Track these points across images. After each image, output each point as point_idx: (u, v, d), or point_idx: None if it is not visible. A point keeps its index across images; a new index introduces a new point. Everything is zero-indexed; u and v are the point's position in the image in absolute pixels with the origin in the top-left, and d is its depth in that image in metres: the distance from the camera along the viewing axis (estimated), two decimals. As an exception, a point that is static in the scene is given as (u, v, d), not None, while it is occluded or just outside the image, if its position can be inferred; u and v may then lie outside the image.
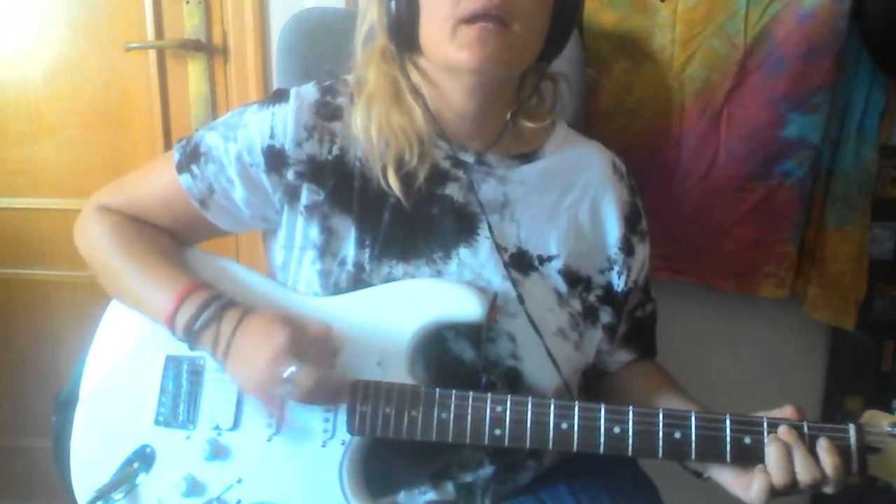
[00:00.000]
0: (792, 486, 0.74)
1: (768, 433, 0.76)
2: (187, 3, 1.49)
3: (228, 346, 0.81)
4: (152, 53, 1.52)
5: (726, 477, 0.80)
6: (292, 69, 1.22)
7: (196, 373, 0.88)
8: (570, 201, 0.93)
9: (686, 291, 1.42)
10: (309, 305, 0.88)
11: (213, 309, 0.82)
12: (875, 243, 1.38)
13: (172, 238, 0.93)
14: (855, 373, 1.47)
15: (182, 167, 0.90)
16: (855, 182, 1.32)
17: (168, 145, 1.55)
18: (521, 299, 0.86)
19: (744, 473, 0.78)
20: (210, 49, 1.51)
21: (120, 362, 0.92)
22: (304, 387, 0.77)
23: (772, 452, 0.75)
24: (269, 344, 0.78)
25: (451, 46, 0.82)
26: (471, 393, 0.80)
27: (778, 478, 0.74)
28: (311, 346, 0.80)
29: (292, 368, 0.77)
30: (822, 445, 0.74)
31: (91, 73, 1.57)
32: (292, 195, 0.89)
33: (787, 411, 0.78)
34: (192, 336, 0.82)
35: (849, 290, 1.35)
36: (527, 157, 0.94)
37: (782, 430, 0.75)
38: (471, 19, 0.79)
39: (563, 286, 0.91)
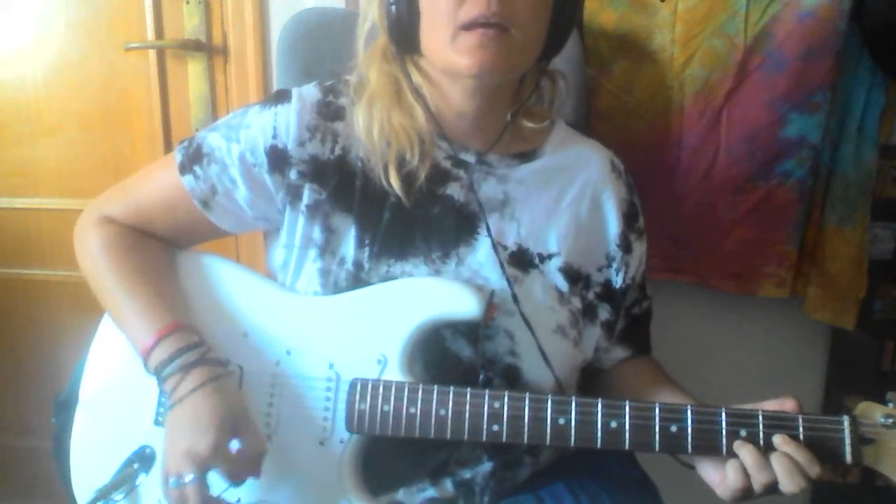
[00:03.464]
0: (771, 490, 0.75)
1: (763, 427, 0.76)
2: (187, 3, 1.49)
3: (179, 401, 0.80)
4: (152, 53, 1.52)
5: (708, 469, 0.80)
6: (292, 69, 1.22)
7: None
8: (570, 199, 0.93)
9: (686, 291, 1.42)
10: (307, 304, 0.88)
11: (184, 360, 0.82)
12: (875, 243, 1.38)
13: (170, 249, 0.93)
14: (855, 373, 1.47)
15: (184, 168, 0.90)
16: (855, 182, 1.31)
17: (168, 145, 1.56)
18: (514, 298, 0.86)
19: (722, 467, 0.78)
20: (210, 49, 1.51)
21: (120, 363, 0.92)
22: (188, 496, 0.76)
23: (747, 456, 0.75)
24: (198, 435, 0.77)
25: (451, 52, 0.82)
26: (469, 389, 0.80)
27: (757, 481, 0.74)
28: (232, 462, 0.78)
29: (191, 476, 0.76)
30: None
31: (91, 73, 1.57)
32: (294, 195, 0.89)
33: (786, 404, 0.78)
34: (159, 379, 0.83)
35: (849, 290, 1.35)
36: (527, 156, 0.94)
37: (776, 440, 0.75)
38: (470, 26, 0.79)
39: (563, 284, 0.91)
